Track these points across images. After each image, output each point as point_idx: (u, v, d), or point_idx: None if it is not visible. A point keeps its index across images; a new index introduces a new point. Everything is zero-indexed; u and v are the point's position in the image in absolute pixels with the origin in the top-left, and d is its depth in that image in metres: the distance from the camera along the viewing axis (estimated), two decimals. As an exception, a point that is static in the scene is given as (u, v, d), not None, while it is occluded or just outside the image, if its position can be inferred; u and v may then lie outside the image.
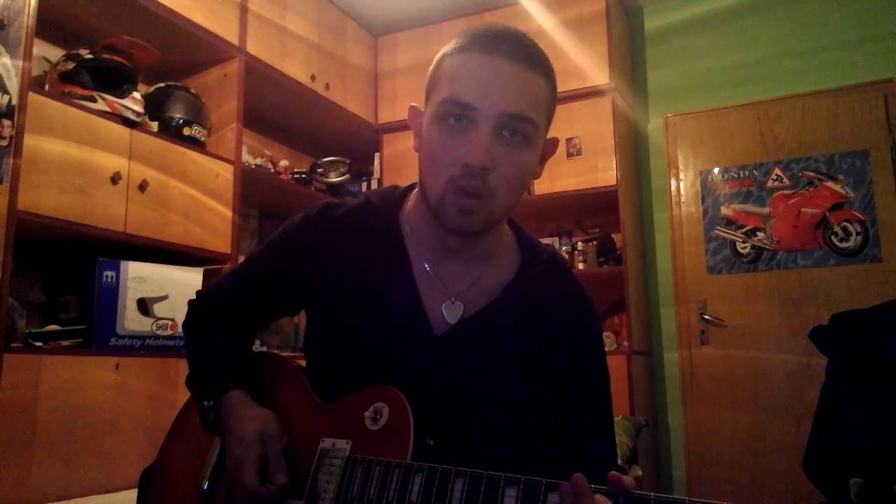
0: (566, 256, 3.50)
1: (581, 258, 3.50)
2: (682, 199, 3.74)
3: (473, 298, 0.98)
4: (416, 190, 1.01)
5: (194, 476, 1.01)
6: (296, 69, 3.29)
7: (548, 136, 0.98)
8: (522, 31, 0.94)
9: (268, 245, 1.09)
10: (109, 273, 2.30)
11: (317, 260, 1.01)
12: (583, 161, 3.45)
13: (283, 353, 2.13)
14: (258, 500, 0.88)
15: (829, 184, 3.43)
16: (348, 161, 3.77)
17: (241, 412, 0.97)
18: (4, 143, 1.94)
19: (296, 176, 3.58)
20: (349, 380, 0.94)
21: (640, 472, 2.94)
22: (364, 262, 1.00)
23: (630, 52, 3.93)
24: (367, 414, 0.89)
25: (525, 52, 0.90)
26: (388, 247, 1.00)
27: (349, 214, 1.03)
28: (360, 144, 3.97)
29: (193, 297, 1.18)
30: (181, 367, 2.32)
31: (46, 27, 2.44)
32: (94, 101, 2.30)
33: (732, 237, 3.59)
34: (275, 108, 3.50)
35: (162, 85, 2.73)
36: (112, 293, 2.29)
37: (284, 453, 0.93)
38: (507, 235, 1.04)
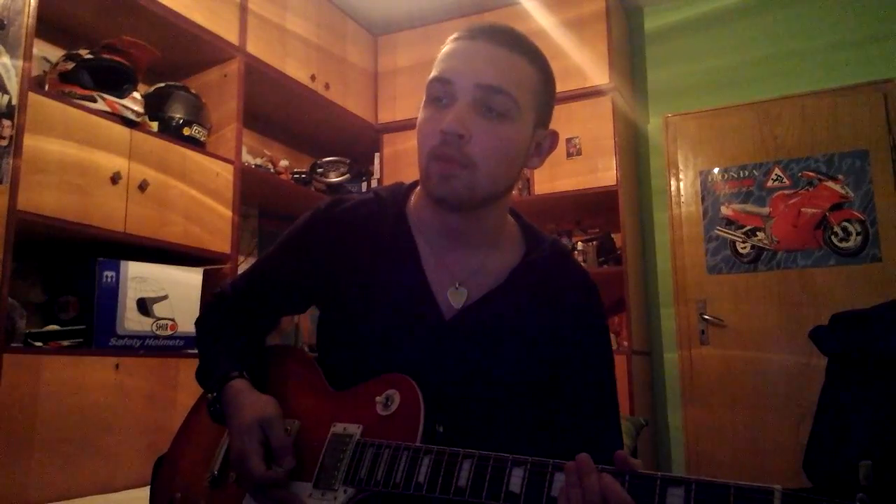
0: (566, 256, 3.49)
1: (581, 258, 3.50)
2: (682, 199, 3.73)
3: (478, 283, 1.00)
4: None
5: (205, 462, 1.02)
6: (296, 69, 3.29)
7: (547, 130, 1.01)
8: (521, 29, 0.97)
9: (280, 241, 1.11)
10: (109, 273, 2.30)
11: (328, 252, 1.03)
12: (583, 161, 3.45)
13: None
14: (267, 485, 0.89)
15: (829, 184, 3.43)
16: (348, 161, 3.77)
17: (239, 402, 0.97)
18: (4, 143, 1.94)
19: (296, 176, 3.58)
20: (362, 369, 0.96)
21: (640, 472, 2.94)
22: (374, 253, 1.02)
23: (630, 52, 3.93)
24: (378, 399, 0.91)
25: (508, 37, 0.94)
26: (397, 237, 1.02)
27: (358, 207, 1.05)
28: (360, 144, 3.97)
29: (209, 296, 1.18)
30: (181, 367, 2.32)
31: (46, 27, 2.44)
32: (94, 101, 2.30)
33: (732, 237, 3.59)
34: (275, 108, 3.50)
35: (162, 85, 2.73)
36: (112, 293, 2.29)
37: (296, 438, 0.94)
38: (510, 224, 1.07)
